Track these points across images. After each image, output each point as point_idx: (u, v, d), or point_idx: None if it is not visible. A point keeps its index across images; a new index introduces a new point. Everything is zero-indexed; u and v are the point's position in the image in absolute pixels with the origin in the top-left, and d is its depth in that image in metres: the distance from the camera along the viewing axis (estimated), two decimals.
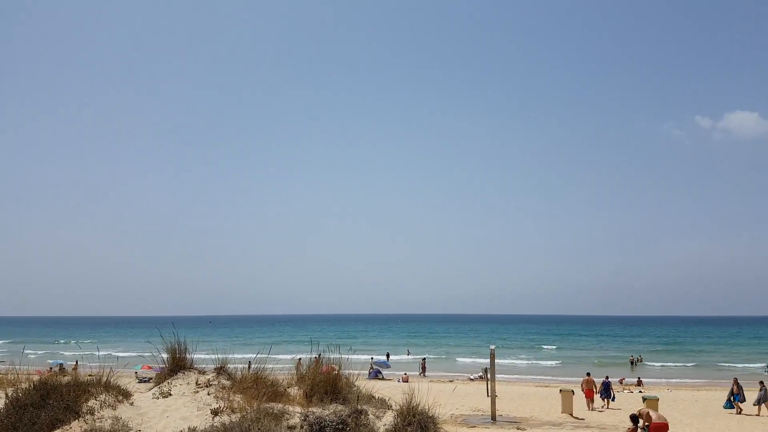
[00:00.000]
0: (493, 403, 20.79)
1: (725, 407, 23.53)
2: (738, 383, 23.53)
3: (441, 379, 38.73)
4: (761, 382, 23.60)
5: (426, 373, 40.92)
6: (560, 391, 23.81)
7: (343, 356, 9.72)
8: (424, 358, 44.96)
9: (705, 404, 26.16)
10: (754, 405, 22.87)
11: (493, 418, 20.57)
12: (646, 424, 12.57)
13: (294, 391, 9.39)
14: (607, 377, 25.86)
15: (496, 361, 21.58)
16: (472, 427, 19.38)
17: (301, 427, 8.27)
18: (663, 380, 40.54)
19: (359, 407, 8.76)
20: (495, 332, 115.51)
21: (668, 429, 12.52)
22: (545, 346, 78.15)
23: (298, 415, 8.46)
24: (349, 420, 8.53)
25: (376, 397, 9.57)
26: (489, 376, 21.55)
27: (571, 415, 22.23)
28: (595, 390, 24.93)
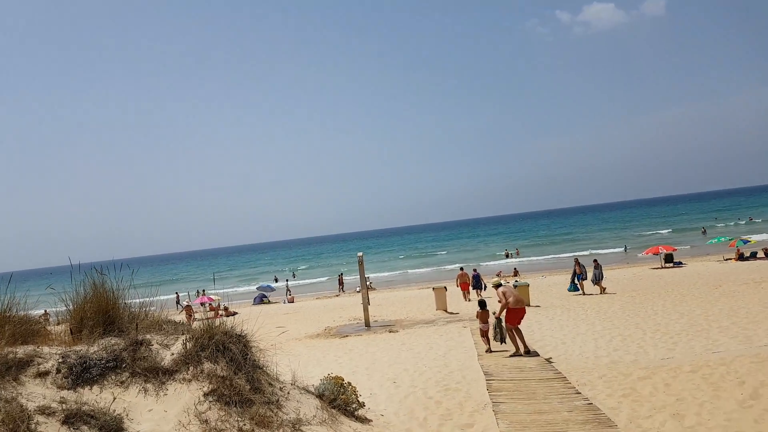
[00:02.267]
0: (365, 309, 19.95)
1: (569, 290, 23.66)
2: (579, 263, 23.71)
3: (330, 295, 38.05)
4: (595, 260, 24.16)
5: (344, 288, 39.24)
6: (433, 289, 23.60)
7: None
8: (341, 274, 43.21)
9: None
10: (594, 284, 23.26)
11: (367, 324, 19.81)
12: (500, 302, 12.01)
13: (61, 328, 7.32)
14: (475, 270, 26.10)
15: (369, 271, 20.68)
16: (344, 336, 18.42)
17: (58, 371, 6.31)
18: (541, 270, 42.57)
19: (139, 337, 6.92)
20: (380, 245, 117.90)
21: (524, 313, 12.03)
22: (434, 252, 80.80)
23: (56, 356, 6.48)
24: (125, 354, 6.69)
25: (170, 322, 7.74)
26: (362, 284, 20.63)
27: (446, 311, 22.06)
28: (469, 283, 25.06)
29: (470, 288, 25.25)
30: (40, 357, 6.49)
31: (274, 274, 65.04)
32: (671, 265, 31.59)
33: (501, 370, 10.90)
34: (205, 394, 6.38)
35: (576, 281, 23.33)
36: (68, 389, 6.23)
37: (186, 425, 5.91)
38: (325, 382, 7.53)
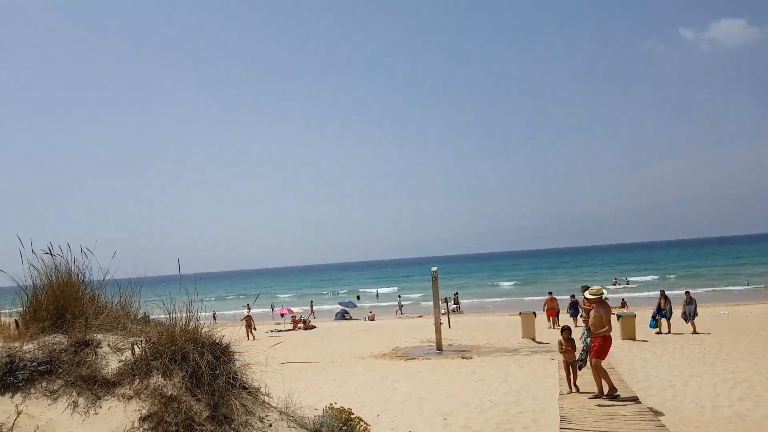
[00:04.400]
0: (437, 331, 17.80)
1: (651, 326, 19.11)
2: (666, 296, 19.30)
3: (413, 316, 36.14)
4: (687, 293, 19.46)
5: (402, 312, 38.33)
6: (519, 314, 20.88)
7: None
8: (399, 296, 42.69)
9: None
10: (686, 322, 18.71)
11: (439, 348, 17.64)
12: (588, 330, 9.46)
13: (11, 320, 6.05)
14: (573, 296, 22.97)
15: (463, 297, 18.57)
16: (410, 359, 16.39)
17: None
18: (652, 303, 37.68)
19: (87, 337, 5.46)
20: (470, 269, 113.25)
21: (611, 343, 9.30)
22: (537, 276, 76.02)
23: None
24: (64, 357, 5.24)
25: (143, 322, 6.20)
26: (448, 307, 18.60)
27: (533, 339, 19.32)
28: (556, 309, 22.15)
29: (557, 314, 22.34)
30: None
31: (356, 293, 64.33)
32: None
33: (585, 416, 8.39)
34: (142, 419, 4.73)
35: (657, 317, 19.08)
36: None
37: None
38: (325, 415, 5.65)
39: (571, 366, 9.96)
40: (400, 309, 38.79)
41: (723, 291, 39.44)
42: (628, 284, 52.91)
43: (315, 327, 29.23)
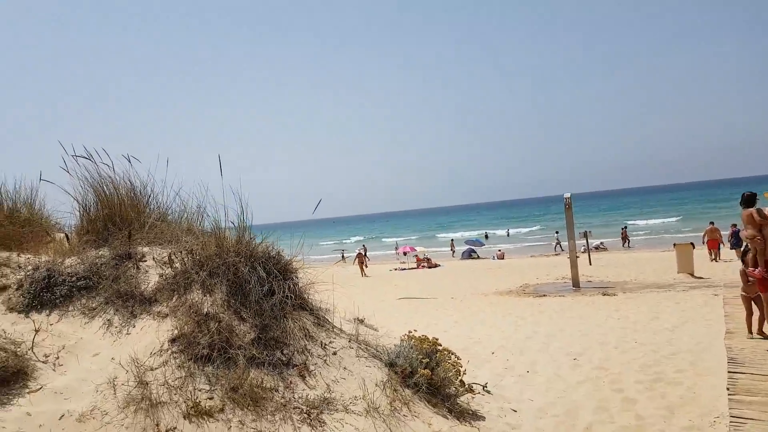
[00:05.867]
0: (573, 265, 15.90)
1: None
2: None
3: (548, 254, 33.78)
4: None
5: (563, 248, 33.91)
6: (674, 245, 18.06)
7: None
8: (557, 231, 37.79)
9: None
10: None
11: (575, 284, 15.76)
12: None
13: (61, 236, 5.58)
14: (734, 225, 19.37)
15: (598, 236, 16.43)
16: (540, 296, 14.80)
17: (19, 287, 4.53)
18: None
19: (131, 249, 4.78)
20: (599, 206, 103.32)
21: None
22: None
23: (28, 269, 4.72)
24: (106, 271, 4.62)
25: (195, 233, 5.37)
26: (588, 242, 16.54)
27: (691, 274, 16.60)
28: (720, 241, 18.88)
29: (719, 246, 19.06)
30: (7, 267, 4.80)
31: (484, 231, 61.98)
32: None
33: (761, 359, 6.41)
34: (171, 340, 3.94)
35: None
36: (19, 312, 4.40)
37: (113, 389, 3.55)
38: (403, 344, 4.51)
39: (755, 303, 7.70)
40: (559, 245, 34.39)
41: None
42: None
43: (439, 265, 28.29)
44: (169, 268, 4.48)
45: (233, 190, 4.63)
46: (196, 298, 4.20)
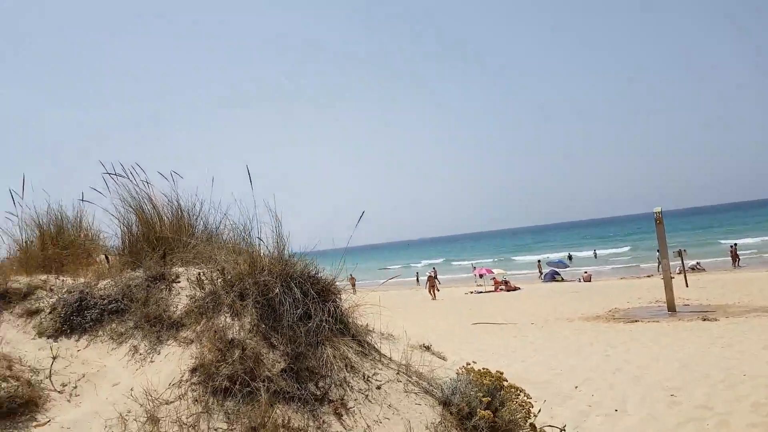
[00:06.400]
0: (667, 287, 14.46)
1: None
2: None
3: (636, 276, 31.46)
4: None
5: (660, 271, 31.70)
6: None
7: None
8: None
9: None
10: None
11: (671, 308, 14.31)
12: None
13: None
14: None
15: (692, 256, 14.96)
16: (632, 321, 13.50)
17: (53, 310, 4.32)
18: None
19: (166, 271, 4.45)
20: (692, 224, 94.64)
21: None
22: None
23: (63, 292, 4.51)
24: (137, 293, 4.30)
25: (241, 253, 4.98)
26: (683, 262, 15.07)
27: None
28: None
29: None
30: (43, 290, 4.61)
31: (567, 251, 58.92)
32: None
33: None
34: (192, 370, 3.51)
35: None
36: (48, 336, 4.16)
37: (123, 426, 3.15)
38: (460, 377, 3.88)
39: None
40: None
41: None
42: None
43: (519, 288, 26.94)
44: (199, 290, 4.10)
45: (267, 205, 4.21)
46: (223, 322, 3.78)
